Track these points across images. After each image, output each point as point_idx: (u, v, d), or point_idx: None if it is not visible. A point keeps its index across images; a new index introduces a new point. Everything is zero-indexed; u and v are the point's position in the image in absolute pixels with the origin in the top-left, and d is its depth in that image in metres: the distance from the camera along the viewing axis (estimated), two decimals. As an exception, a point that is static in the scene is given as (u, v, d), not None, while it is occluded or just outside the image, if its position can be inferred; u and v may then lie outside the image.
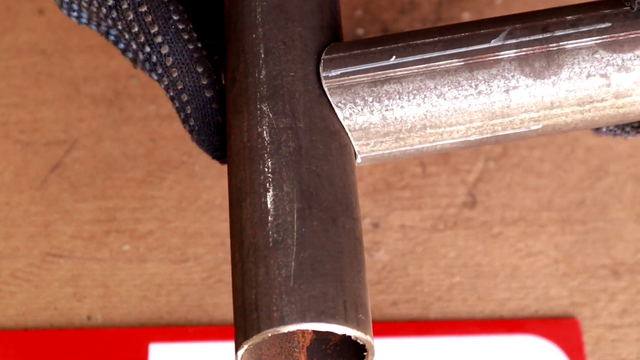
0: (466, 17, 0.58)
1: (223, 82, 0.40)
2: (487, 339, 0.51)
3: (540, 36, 0.38)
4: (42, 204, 0.54)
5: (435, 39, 0.38)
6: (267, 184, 0.35)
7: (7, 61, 0.57)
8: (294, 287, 0.33)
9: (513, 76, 0.37)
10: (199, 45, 0.40)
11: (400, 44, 0.38)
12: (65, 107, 0.56)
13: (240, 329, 0.33)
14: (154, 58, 0.39)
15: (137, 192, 0.54)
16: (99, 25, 0.43)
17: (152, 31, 0.39)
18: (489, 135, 0.39)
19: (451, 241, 0.53)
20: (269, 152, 0.36)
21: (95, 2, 0.40)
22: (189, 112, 0.39)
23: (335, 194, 0.35)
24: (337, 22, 0.41)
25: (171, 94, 0.39)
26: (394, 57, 0.38)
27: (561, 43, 0.37)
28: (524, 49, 0.37)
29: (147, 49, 0.39)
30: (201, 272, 0.52)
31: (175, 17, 0.39)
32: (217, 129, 0.39)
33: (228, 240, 0.53)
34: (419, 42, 0.38)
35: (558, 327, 0.51)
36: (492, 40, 0.38)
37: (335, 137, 0.37)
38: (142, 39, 0.39)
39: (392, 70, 0.38)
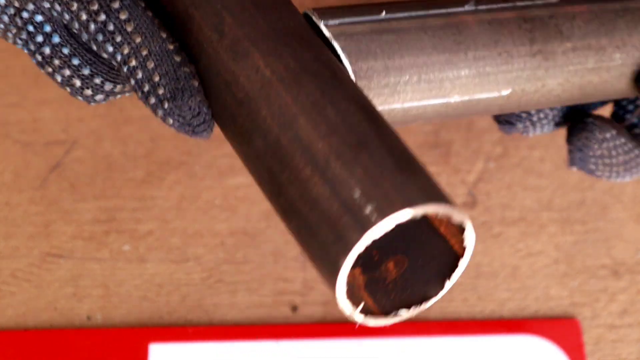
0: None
1: None
2: (487, 339, 0.51)
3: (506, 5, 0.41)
4: (42, 204, 0.54)
5: (417, 2, 0.40)
6: (323, 100, 0.35)
7: (7, 61, 0.57)
8: (398, 176, 0.32)
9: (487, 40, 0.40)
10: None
11: (385, 5, 0.39)
12: (65, 107, 0.56)
13: (346, 228, 0.32)
14: (111, 26, 0.37)
15: (137, 192, 0.54)
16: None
17: None
18: (467, 98, 0.40)
19: (451, 241, 0.53)
20: (309, 76, 0.35)
21: None
22: (156, 80, 0.37)
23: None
24: None
25: (133, 64, 0.37)
26: (384, 12, 0.39)
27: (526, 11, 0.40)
28: (493, 14, 0.40)
29: (102, 16, 0.37)
30: (201, 272, 0.52)
31: None
32: (194, 91, 0.37)
33: (228, 240, 0.53)
34: (403, 2, 0.40)
35: (558, 327, 0.51)
36: (466, 5, 0.40)
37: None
38: (96, 6, 0.37)
39: (386, 23, 0.39)
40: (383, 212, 0.31)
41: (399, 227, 0.31)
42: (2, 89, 0.57)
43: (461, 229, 0.34)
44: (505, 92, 0.40)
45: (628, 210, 0.54)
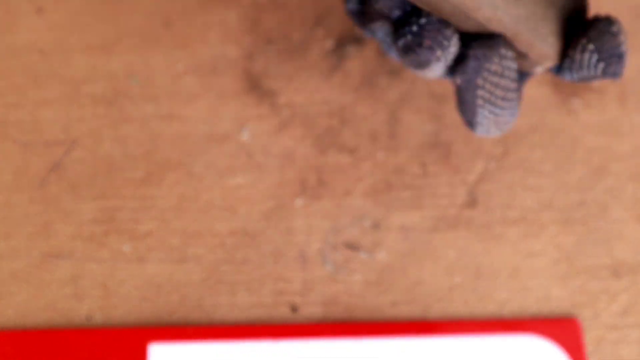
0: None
1: None
2: (487, 339, 0.51)
3: None
4: (41, 204, 0.54)
5: None
6: None
7: (6, 61, 0.57)
8: None
9: None
10: None
11: None
12: (64, 107, 0.56)
13: None
14: None
15: (136, 192, 0.54)
16: None
17: None
18: None
19: (451, 241, 0.53)
20: None
21: None
22: None
23: None
24: None
25: None
26: None
27: None
28: None
29: None
30: (201, 272, 0.52)
31: None
32: None
33: (228, 240, 0.53)
34: None
35: (559, 328, 0.51)
36: None
37: None
38: None
39: None
40: None
41: None
42: (1, 88, 0.57)
43: None
44: None
45: (629, 210, 0.54)
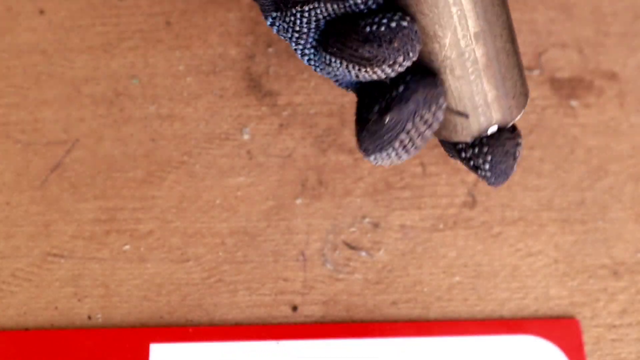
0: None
1: None
2: (487, 339, 0.51)
3: None
4: (42, 203, 0.54)
5: None
6: None
7: (8, 61, 0.58)
8: None
9: None
10: None
11: None
12: (65, 107, 0.56)
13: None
14: None
15: (137, 192, 0.54)
16: None
17: None
18: None
19: (451, 241, 0.53)
20: None
21: None
22: None
23: None
24: None
25: None
26: None
27: None
28: None
29: None
30: (201, 272, 0.53)
31: None
32: None
33: (228, 240, 0.53)
34: None
35: (558, 327, 0.51)
36: None
37: None
38: None
39: None
40: None
41: None
42: (2, 89, 0.57)
43: None
44: None
45: (628, 210, 0.54)
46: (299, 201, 0.54)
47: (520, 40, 0.58)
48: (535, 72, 0.57)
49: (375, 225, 0.54)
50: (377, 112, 0.43)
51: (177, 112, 0.56)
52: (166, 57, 0.57)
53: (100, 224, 0.54)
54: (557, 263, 0.53)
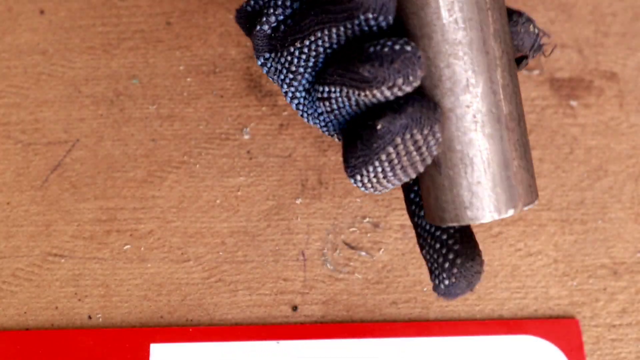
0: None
1: None
2: (487, 339, 0.51)
3: None
4: (43, 203, 0.54)
5: None
6: None
7: (8, 61, 0.58)
8: None
9: None
10: None
11: None
12: (66, 107, 0.56)
13: None
14: None
15: (137, 192, 0.54)
16: None
17: None
18: None
19: (451, 241, 0.53)
20: None
21: None
22: None
23: None
24: None
25: None
26: None
27: None
28: None
29: None
30: (201, 271, 0.53)
31: None
32: None
33: (228, 240, 0.53)
34: None
35: (557, 327, 0.51)
36: None
37: None
38: None
39: None
40: None
41: None
42: (3, 89, 0.57)
43: None
44: None
45: (627, 210, 0.54)
46: (299, 201, 0.54)
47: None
48: (535, 72, 0.57)
49: (375, 225, 0.54)
50: (370, 122, 0.42)
51: (177, 112, 0.56)
52: (166, 57, 0.58)
53: (101, 224, 0.54)
54: (557, 263, 0.53)
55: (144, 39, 0.58)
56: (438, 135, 0.41)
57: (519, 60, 0.46)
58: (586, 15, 0.59)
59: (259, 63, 0.46)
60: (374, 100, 0.42)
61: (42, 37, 0.58)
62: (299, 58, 0.44)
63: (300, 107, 0.45)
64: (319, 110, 0.45)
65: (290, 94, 0.45)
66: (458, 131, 0.42)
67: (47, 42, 0.58)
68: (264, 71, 0.46)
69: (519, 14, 0.45)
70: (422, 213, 0.45)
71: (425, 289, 0.52)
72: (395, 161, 0.42)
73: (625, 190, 0.55)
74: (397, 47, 0.40)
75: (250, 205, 0.54)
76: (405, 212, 0.54)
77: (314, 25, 0.43)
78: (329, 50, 0.43)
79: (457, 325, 0.51)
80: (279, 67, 0.45)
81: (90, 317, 0.52)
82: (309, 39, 0.43)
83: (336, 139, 0.46)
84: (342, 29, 0.42)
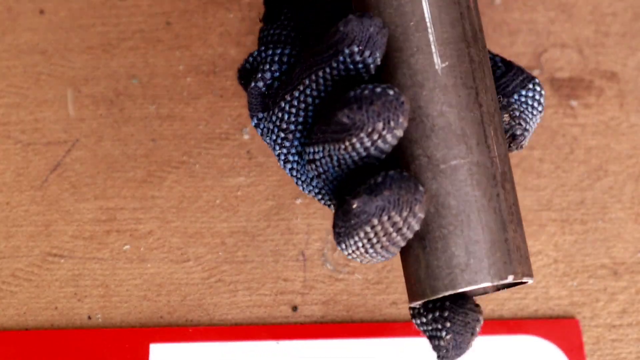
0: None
1: None
2: (487, 339, 0.51)
3: None
4: (42, 203, 0.54)
5: None
6: None
7: (8, 61, 0.58)
8: None
9: None
10: None
11: None
12: (66, 107, 0.56)
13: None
14: None
15: (137, 192, 0.54)
16: None
17: None
18: None
19: (451, 241, 0.53)
20: None
21: None
22: None
23: None
24: None
25: None
26: None
27: None
28: None
29: None
30: (201, 272, 0.53)
31: None
32: None
33: (228, 240, 0.53)
34: None
35: (558, 327, 0.51)
36: None
37: None
38: None
39: None
40: None
41: None
42: (2, 89, 0.57)
43: None
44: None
45: (627, 210, 0.54)
46: (299, 201, 0.54)
47: (520, 40, 0.58)
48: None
49: (375, 225, 0.54)
50: (347, 197, 0.39)
51: (177, 112, 0.56)
52: (166, 57, 0.58)
53: (100, 224, 0.54)
54: (557, 263, 0.53)
55: (144, 39, 0.58)
56: (420, 215, 0.39)
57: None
58: (586, 15, 0.59)
59: (253, 124, 0.44)
60: (354, 155, 0.39)
61: (42, 37, 0.58)
62: (289, 113, 0.42)
63: (294, 172, 0.44)
64: (310, 175, 0.43)
65: (282, 157, 0.43)
66: (452, 186, 0.39)
67: (47, 42, 0.58)
68: (258, 133, 0.44)
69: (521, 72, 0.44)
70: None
71: (425, 289, 0.52)
72: (374, 240, 0.40)
73: (626, 190, 0.55)
74: (378, 89, 0.38)
75: (250, 205, 0.54)
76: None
77: (302, 72, 0.41)
78: (317, 101, 0.42)
79: (457, 326, 0.51)
80: (271, 126, 0.43)
81: (89, 317, 0.52)
82: (297, 89, 0.42)
83: (332, 209, 0.44)
84: (327, 70, 0.41)
